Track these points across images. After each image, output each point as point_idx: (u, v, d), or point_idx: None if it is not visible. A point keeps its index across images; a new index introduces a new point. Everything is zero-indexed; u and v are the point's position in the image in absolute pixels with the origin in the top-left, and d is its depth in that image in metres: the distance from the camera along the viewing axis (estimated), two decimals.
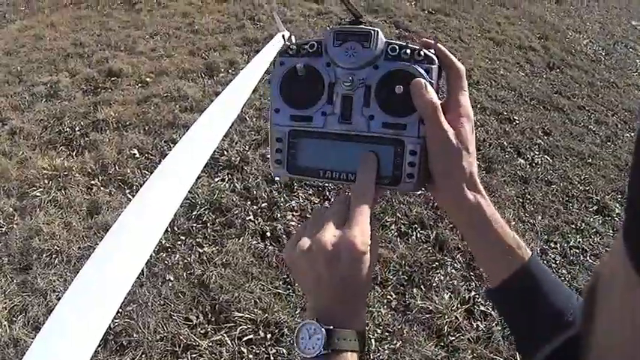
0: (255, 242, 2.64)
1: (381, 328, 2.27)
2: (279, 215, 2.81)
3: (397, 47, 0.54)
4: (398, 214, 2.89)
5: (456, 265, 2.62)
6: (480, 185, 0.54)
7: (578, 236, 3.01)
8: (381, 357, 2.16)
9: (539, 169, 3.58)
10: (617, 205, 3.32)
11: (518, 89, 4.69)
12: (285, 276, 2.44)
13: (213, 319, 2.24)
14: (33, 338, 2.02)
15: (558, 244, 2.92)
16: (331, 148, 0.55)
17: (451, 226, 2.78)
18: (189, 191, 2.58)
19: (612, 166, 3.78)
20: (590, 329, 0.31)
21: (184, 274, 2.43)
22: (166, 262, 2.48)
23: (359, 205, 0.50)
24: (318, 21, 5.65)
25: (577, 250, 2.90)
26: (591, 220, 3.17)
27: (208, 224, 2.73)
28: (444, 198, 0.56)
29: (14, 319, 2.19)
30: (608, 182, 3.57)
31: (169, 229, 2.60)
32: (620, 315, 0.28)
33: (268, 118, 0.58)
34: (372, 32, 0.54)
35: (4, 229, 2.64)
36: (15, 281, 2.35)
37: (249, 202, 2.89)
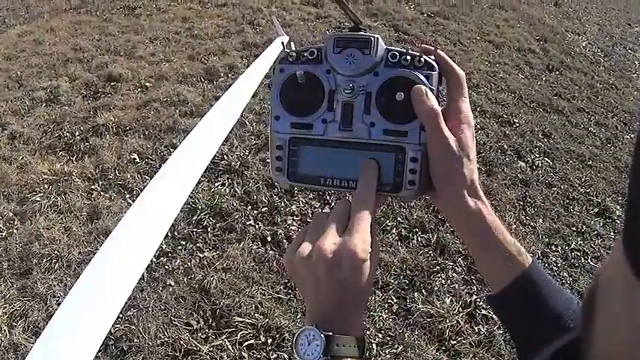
0: (255, 247, 2.63)
1: (383, 332, 2.26)
2: (279, 220, 2.81)
3: (397, 54, 0.54)
4: (399, 218, 2.89)
5: (457, 268, 2.62)
6: (481, 192, 0.54)
7: (579, 239, 3.00)
8: None
9: (539, 172, 3.58)
10: (618, 207, 3.32)
11: (517, 92, 4.70)
12: (285, 281, 2.44)
13: (213, 324, 2.23)
14: (33, 343, 2.01)
15: (559, 247, 2.92)
16: (332, 155, 0.55)
17: (452, 229, 2.78)
18: (189, 196, 2.57)
19: (613, 168, 3.77)
20: (591, 331, 0.31)
21: (185, 279, 2.42)
22: (167, 267, 2.47)
23: (360, 213, 0.50)
24: (318, 25, 5.66)
25: (578, 253, 2.90)
26: (592, 222, 3.16)
27: (209, 229, 2.72)
28: (444, 205, 0.56)
29: (14, 324, 2.19)
30: (608, 184, 3.57)
31: (170, 234, 2.60)
32: (620, 316, 0.28)
33: (268, 124, 0.58)
34: (372, 39, 0.54)
35: (4, 234, 2.64)
36: (15, 286, 2.35)
37: (249, 207, 2.88)
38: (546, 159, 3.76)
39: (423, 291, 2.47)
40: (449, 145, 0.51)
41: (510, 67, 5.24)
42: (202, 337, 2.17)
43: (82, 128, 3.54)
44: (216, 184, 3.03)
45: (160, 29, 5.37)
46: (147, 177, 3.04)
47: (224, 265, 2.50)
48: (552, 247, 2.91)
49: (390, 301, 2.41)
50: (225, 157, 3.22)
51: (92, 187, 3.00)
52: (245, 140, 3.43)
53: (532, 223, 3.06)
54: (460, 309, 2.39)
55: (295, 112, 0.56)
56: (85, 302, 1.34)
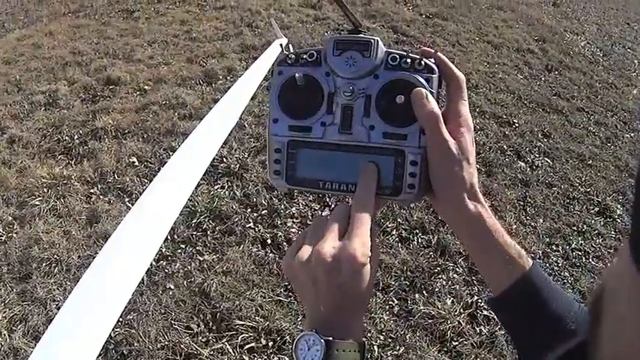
0: (255, 250, 2.63)
1: (384, 334, 2.26)
2: (279, 222, 2.80)
3: (397, 56, 0.53)
4: (399, 220, 2.88)
5: (457, 269, 2.61)
6: (481, 195, 0.54)
7: (580, 238, 3.00)
8: None
9: (539, 172, 3.58)
10: (619, 206, 3.31)
11: (517, 92, 4.70)
12: (286, 283, 2.43)
13: (214, 328, 2.22)
14: (33, 348, 2.00)
15: (560, 247, 2.91)
16: (331, 158, 0.55)
17: (452, 231, 2.77)
18: (188, 199, 2.57)
19: (613, 167, 3.77)
20: (597, 334, 0.31)
21: (185, 282, 2.42)
22: (166, 270, 2.47)
23: (359, 216, 0.50)
24: (316, 27, 5.66)
25: (579, 253, 2.89)
26: (593, 221, 3.16)
27: (208, 232, 2.72)
28: (444, 208, 0.56)
29: (14, 328, 2.18)
30: (609, 183, 3.56)
31: (169, 238, 2.59)
32: (627, 318, 0.28)
33: (267, 127, 0.57)
34: (372, 41, 0.54)
35: (3, 238, 2.63)
36: (14, 290, 2.34)
37: (249, 210, 2.88)
38: (546, 159, 3.75)
39: (424, 292, 2.47)
40: (449, 149, 0.51)
41: (509, 68, 5.24)
42: (203, 340, 2.17)
43: (80, 132, 3.53)
44: (216, 187, 3.03)
45: (158, 32, 5.37)
46: (146, 180, 3.04)
47: (224, 268, 2.50)
48: (553, 247, 2.90)
49: (391, 302, 2.41)
50: (225, 159, 3.22)
51: (91, 190, 2.99)
52: (244, 143, 3.43)
53: (532, 223, 3.06)
54: (461, 310, 2.38)
55: (294, 115, 0.55)
56: (85, 306, 1.33)
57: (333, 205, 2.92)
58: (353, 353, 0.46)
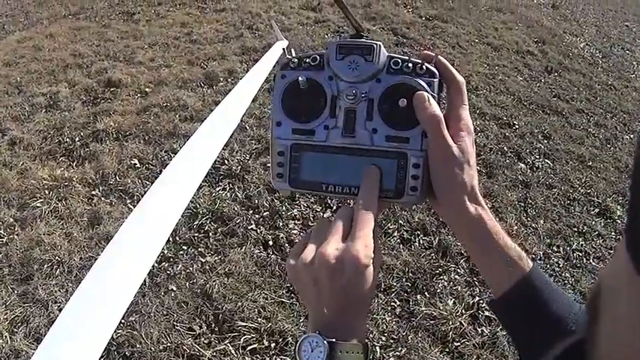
0: (257, 251, 2.63)
1: (386, 335, 2.26)
2: (281, 224, 2.81)
3: (400, 61, 0.54)
4: (400, 221, 2.88)
5: (459, 270, 2.61)
6: (481, 198, 0.54)
7: (580, 239, 3.00)
8: None
9: (539, 173, 3.58)
10: (619, 207, 3.32)
11: (517, 94, 4.71)
12: (288, 285, 2.43)
13: (216, 329, 2.22)
14: (34, 349, 2.00)
15: (561, 248, 2.92)
16: (334, 161, 0.55)
17: (453, 232, 2.77)
18: (190, 201, 2.57)
19: (613, 169, 3.78)
20: (595, 332, 0.31)
21: (187, 283, 2.42)
22: (169, 272, 2.47)
23: (362, 218, 0.50)
24: (316, 29, 5.67)
25: (580, 253, 2.90)
26: (593, 222, 3.16)
27: (210, 234, 2.72)
28: (445, 211, 0.56)
29: (15, 330, 2.18)
30: (609, 184, 3.57)
31: (171, 239, 2.59)
32: (624, 316, 0.28)
33: (269, 130, 0.58)
34: (375, 46, 0.55)
35: (4, 240, 2.63)
36: (16, 292, 2.34)
37: (250, 211, 2.88)
38: (546, 160, 3.76)
39: (426, 293, 2.47)
40: (450, 152, 0.52)
41: (509, 70, 5.25)
42: (205, 341, 2.17)
43: (82, 134, 3.54)
44: (217, 189, 3.03)
45: (159, 35, 5.37)
46: (147, 182, 3.04)
47: (226, 269, 2.50)
48: (554, 248, 2.91)
49: (392, 303, 2.41)
50: (226, 161, 3.22)
51: (93, 192, 3.00)
52: (246, 145, 3.43)
53: (533, 225, 3.06)
54: (463, 311, 2.38)
55: (297, 119, 0.56)
56: (87, 308, 1.33)
57: (335, 207, 2.92)
58: (356, 355, 0.47)
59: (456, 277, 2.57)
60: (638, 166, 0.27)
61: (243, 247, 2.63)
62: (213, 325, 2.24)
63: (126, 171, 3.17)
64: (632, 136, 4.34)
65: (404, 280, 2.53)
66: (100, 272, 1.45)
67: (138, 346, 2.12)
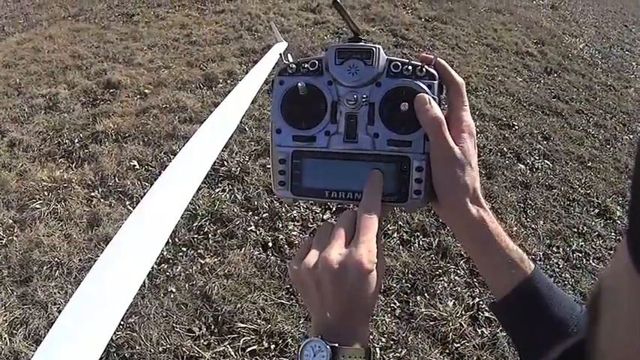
0: (257, 253, 2.62)
1: (386, 336, 2.26)
2: (280, 225, 2.80)
3: (399, 64, 0.54)
4: (400, 222, 2.88)
5: (459, 271, 2.61)
6: (483, 200, 0.54)
7: (580, 240, 3.00)
8: None
9: (539, 174, 3.58)
10: (619, 207, 3.32)
11: (516, 95, 4.71)
12: (287, 286, 2.43)
13: (216, 331, 2.22)
14: (34, 351, 1.99)
15: (561, 249, 2.91)
16: (336, 167, 0.55)
17: (453, 233, 2.77)
18: (190, 202, 2.57)
19: (612, 169, 3.78)
20: (595, 333, 0.31)
21: (186, 285, 2.41)
22: (168, 273, 2.47)
23: (366, 223, 0.50)
24: (316, 30, 5.68)
25: (580, 254, 2.89)
26: (593, 223, 3.16)
27: (210, 235, 2.71)
28: (447, 213, 0.56)
29: (14, 331, 2.17)
30: (608, 185, 3.57)
31: (170, 241, 2.59)
32: (624, 317, 0.28)
33: (270, 137, 0.57)
34: (374, 49, 0.54)
35: (4, 242, 2.63)
36: (15, 294, 2.34)
37: (250, 213, 2.88)
38: (546, 161, 3.76)
39: (426, 294, 2.47)
40: (452, 154, 0.52)
41: (508, 71, 5.25)
42: (205, 343, 2.16)
43: (81, 135, 3.54)
44: (217, 190, 3.03)
45: (158, 36, 5.38)
46: (147, 184, 3.04)
47: (225, 271, 2.49)
48: (554, 249, 2.91)
49: (392, 305, 2.41)
50: (226, 163, 3.22)
51: (92, 194, 2.99)
52: (245, 146, 3.43)
53: (533, 225, 3.06)
54: (463, 312, 2.38)
55: (297, 125, 0.55)
56: (86, 310, 1.33)
57: (334, 209, 2.92)
58: (359, 359, 0.47)
59: (456, 278, 2.57)
60: (639, 167, 0.27)
61: (243, 249, 2.63)
62: (212, 327, 2.23)
63: (125, 172, 3.17)
64: (631, 136, 4.34)
65: (404, 281, 2.53)
66: (99, 274, 1.44)
67: (137, 347, 2.11)
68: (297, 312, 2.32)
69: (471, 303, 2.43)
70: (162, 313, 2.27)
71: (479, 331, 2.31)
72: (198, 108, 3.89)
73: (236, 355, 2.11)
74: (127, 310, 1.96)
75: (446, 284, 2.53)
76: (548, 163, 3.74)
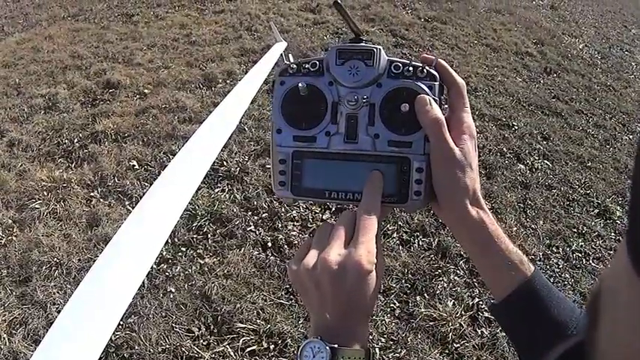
0: (256, 253, 2.62)
1: (385, 336, 2.25)
2: (280, 225, 2.80)
3: (400, 65, 0.54)
4: (399, 223, 2.88)
5: (458, 272, 2.61)
6: (483, 201, 0.54)
7: (580, 240, 3.00)
8: None
9: (539, 174, 3.58)
10: (618, 207, 3.32)
11: (516, 95, 4.71)
12: (287, 286, 2.43)
13: (215, 331, 2.22)
14: (33, 351, 1.99)
15: (560, 249, 2.91)
16: (336, 168, 0.55)
17: (453, 234, 2.77)
18: (189, 202, 2.57)
19: (612, 169, 3.78)
20: (595, 334, 0.31)
21: (186, 285, 2.41)
22: (167, 273, 2.46)
23: (365, 224, 0.50)
24: (315, 30, 5.68)
25: (579, 254, 2.89)
26: (593, 223, 3.16)
27: (209, 235, 2.71)
28: (447, 214, 0.56)
29: (14, 331, 2.17)
30: (608, 185, 3.57)
31: (170, 241, 2.59)
32: (624, 318, 0.28)
33: (270, 137, 0.57)
34: (375, 50, 0.54)
35: (3, 242, 2.63)
36: (14, 293, 2.33)
37: (249, 213, 2.88)
38: (546, 161, 3.76)
39: (425, 295, 2.47)
40: (452, 155, 0.52)
41: (508, 71, 5.25)
42: (204, 343, 2.16)
43: (80, 135, 3.53)
44: (216, 190, 3.02)
45: (157, 36, 5.37)
46: (146, 183, 3.04)
47: (225, 271, 2.49)
48: (553, 249, 2.91)
49: (392, 305, 2.40)
50: (225, 163, 3.22)
51: (91, 194, 2.99)
52: (244, 146, 3.43)
53: (533, 226, 3.06)
54: (463, 312, 2.38)
55: (297, 125, 0.55)
56: (86, 310, 1.33)
57: (334, 209, 2.92)
58: None
59: (456, 278, 2.57)
60: (639, 167, 0.26)
61: (242, 249, 2.63)
62: (212, 327, 2.23)
63: (124, 172, 3.17)
64: (631, 136, 4.34)
65: (403, 281, 2.52)
66: (98, 274, 1.44)
67: (136, 347, 2.11)
68: (296, 312, 2.31)
69: (471, 303, 2.43)
70: (161, 313, 2.27)
71: (478, 331, 2.31)
72: (198, 108, 3.89)
73: (235, 355, 2.11)
74: (127, 310, 1.96)
75: (445, 284, 2.53)
76: (548, 163, 3.74)
